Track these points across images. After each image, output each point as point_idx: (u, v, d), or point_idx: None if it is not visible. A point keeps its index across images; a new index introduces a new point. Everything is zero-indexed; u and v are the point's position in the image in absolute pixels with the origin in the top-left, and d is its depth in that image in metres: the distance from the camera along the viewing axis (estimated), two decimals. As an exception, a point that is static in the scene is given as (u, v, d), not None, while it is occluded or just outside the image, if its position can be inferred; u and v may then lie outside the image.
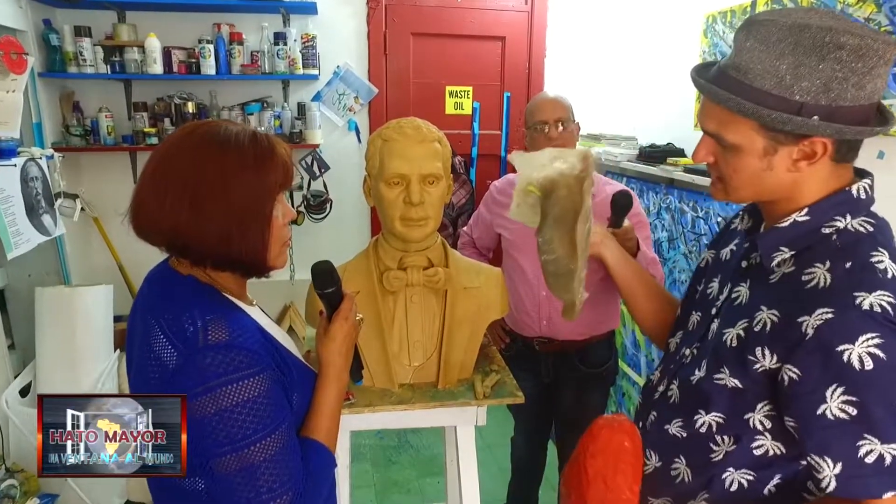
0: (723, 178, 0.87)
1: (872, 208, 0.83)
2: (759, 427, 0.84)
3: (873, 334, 0.71)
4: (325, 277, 1.02)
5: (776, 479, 0.86)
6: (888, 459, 0.72)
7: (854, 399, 0.73)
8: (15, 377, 2.25)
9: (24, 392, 2.25)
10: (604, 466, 0.89)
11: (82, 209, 2.63)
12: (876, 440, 0.72)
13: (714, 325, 0.93)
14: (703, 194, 2.05)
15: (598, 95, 3.13)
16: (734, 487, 0.88)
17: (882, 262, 0.75)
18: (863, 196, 0.81)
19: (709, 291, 0.98)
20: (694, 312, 1.00)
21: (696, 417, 0.91)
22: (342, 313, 1.02)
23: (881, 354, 0.71)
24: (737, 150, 0.82)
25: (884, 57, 0.73)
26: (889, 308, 0.72)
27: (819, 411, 0.75)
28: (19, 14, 2.50)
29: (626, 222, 1.49)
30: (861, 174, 0.84)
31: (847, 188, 0.81)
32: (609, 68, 3.07)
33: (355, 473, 2.68)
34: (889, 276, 0.75)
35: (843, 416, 0.74)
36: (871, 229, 0.79)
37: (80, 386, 2.22)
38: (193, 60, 2.85)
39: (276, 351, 0.92)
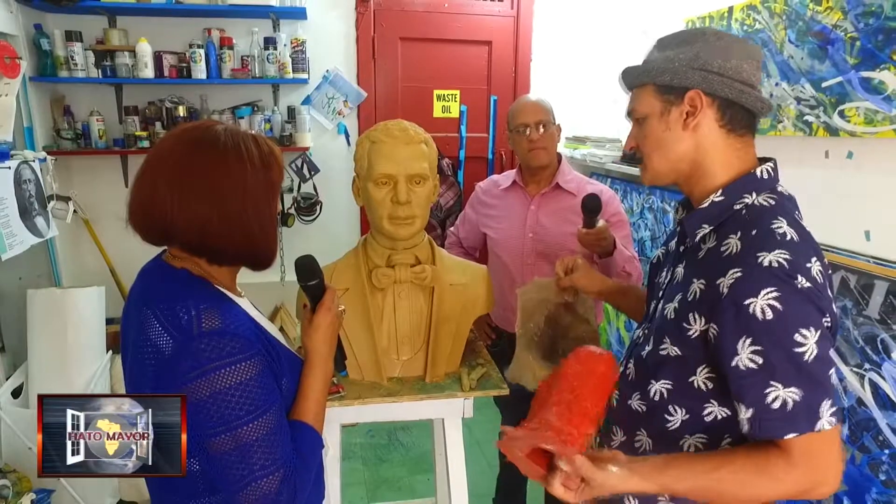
0: (643, 157, 1.03)
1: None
2: (703, 389, 0.93)
3: (772, 288, 0.82)
4: (307, 270, 1.08)
5: (727, 440, 0.94)
6: (790, 404, 0.82)
7: (759, 348, 0.83)
8: (7, 379, 2.27)
9: (15, 394, 2.27)
10: (577, 377, 0.96)
11: (75, 211, 2.65)
12: (779, 385, 0.82)
13: (659, 305, 1.03)
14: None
15: (583, 98, 3.19)
16: (691, 451, 0.97)
17: (781, 227, 0.88)
18: (765, 177, 0.95)
19: (659, 281, 1.10)
20: (652, 302, 1.10)
21: (649, 388, 1.00)
22: (325, 304, 1.07)
23: (778, 306, 0.82)
24: (646, 120, 1.00)
25: (738, 42, 0.95)
26: (785, 264, 0.83)
27: (734, 363, 0.85)
28: (10, 19, 2.51)
29: (601, 222, 1.55)
30: (764, 160, 0.98)
31: (752, 171, 0.95)
32: (593, 72, 3.14)
33: (346, 471, 2.71)
34: (787, 238, 0.86)
35: (752, 365, 0.84)
36: (773, 203, 0.93)
37: (72, 387, 2.24)
38: (184, 65, 2.88)
39: (266, 338, 0.97)
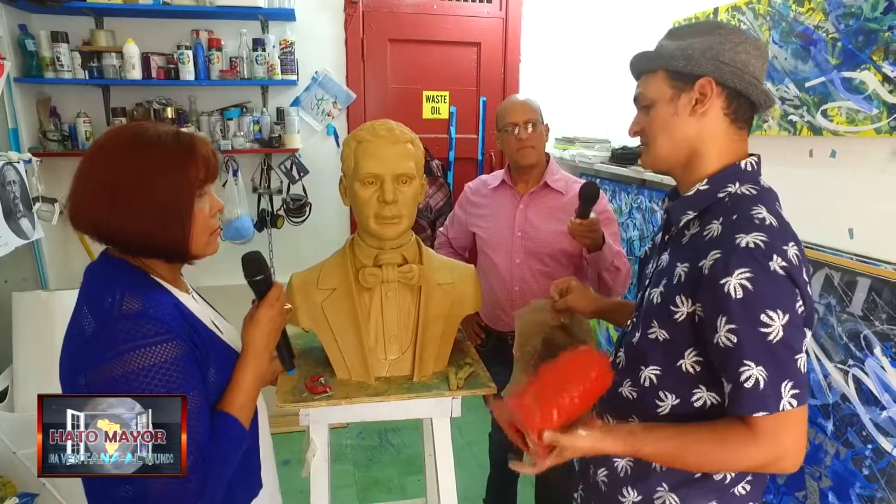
0: (646, 140, 1.06)
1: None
2: (692, 372, 0.95)
3: (746, 269, 0.86)
4: (253, 266, 1.09)
5: None
6: (761, 383, 0.85)
7: (733, 327, 0.86)
8: (-9, 383, 2.25)
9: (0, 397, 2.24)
10: (566, 371, 0.98)
11: (61, 213, 2.62)
12: (752, 363, 0.85)
13: (646, 293, 1.05)
14: (671, 194, 2.13)
15: (571, 99, 3.20)
16: None
17: (760, 213, 0.91)
18: (749, 169, 0.99)
19: (647, 272, 1.12)
20: (639, 293, 1.13)
21: (639, 374, 1.03)
22: (268, 300, 1.08)
23: (749, 286, 0.85)
24: (654, 105, 1.02)
25: (749, 39, 0.97)
26: (762, 244, 0.86)
27: (714, 340, 0.89)
28: (-6, 19, 2.50)
29: (592, 215, 1.56)
30: (751, 155, 1.02)
31: (737, 163, 0.99)
32: (582, 73, 3.15)
33: (337, 473, 2.70)
34: (766, 223, 0.90)
35: (728, 343, 0.87)
36: (755, 192, 0.96)
37: (57, 391, 2.22)
38: (172, 66, 2.86)
39: (193, 328, 0.98)
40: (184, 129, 1.01)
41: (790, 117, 1.60)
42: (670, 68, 0.99)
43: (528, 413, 0.94)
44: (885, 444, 1.31)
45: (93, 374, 0.88)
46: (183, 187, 0.95)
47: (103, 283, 0.93)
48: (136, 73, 2.79)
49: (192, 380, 0.92)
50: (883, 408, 1.32)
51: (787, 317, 0.85)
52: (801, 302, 0.87)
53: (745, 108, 0.98)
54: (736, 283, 0.85)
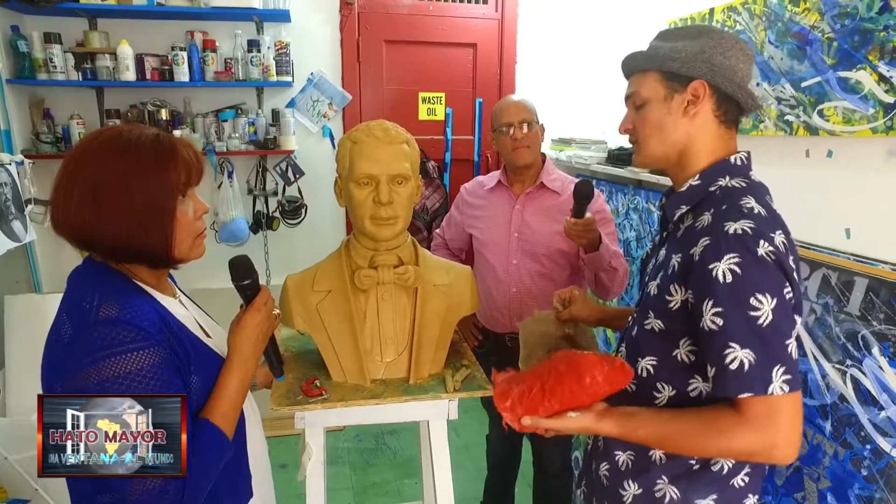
0: (637, 139, 1.09)
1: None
2: (686, 362, 0.96)
3: (734, 254, 0.88)
4: (240, 270, 1.07)
5: None
6: (745, 365, 0.86)
7: (719, 310, 0.88)
8: (-16, 387, 2.22)
9: (-7, 402, 2.22)
10: (563, 378, 0.97)
11: (53, 216, 2.60)
12: (736, 346, 0.86)
13: (646, 288, 1.08)
14: (667, 194, 2.13)
15: (568, 100, 3.20)
16: None
17: (749, 203, 0.94)
18: (739, 164, 1.02)
19: (647, 269, 1.14)
20: (641, 290, 1.15)
21: (636, 366, 1.04)
22: (255, 305, 1.07)
23: (738, 270, 0.87)
24: (646, 104, 1.05)
25: (738, 44, 1.01)
26: (749, 231, 0.89)
27: (701, 324, 0.91)
28: (-14, 20, 2.48)
29: (588, 214, 1.55)
30: (741, 151, 1.05)
31: (728, 158, 1.02)
32: (578, 74, 3.15)
33: (333, 476, 2.68)
34: (755, 211, 0.92)
35: (713, 326, 0.88)
36: (745, 185, 1.00)
37: (51, 394, 2.20)
38: (167, 67, 2.85)
39: (174, 334, 0.96)
40: (173, 132, 1.01)
41: (786, 117, 1.60)
42: (665, 69, 1.01)
43: (506, 407, 0.98)
44: (883, 444, 1.31)
45: (68, 381, 0.86)
46: (163, 190, 0.94)
47: (83, 288, 0.92)
48: (130, 75, 2.78)
49: (170, 387, 0.90)
50: (881, 408, 1.31)
51: (775, 301, 0.86)
52: (789, 288, 0.89)
53: (734, 111, 1.02)
54: (725, 268, 0.87)
